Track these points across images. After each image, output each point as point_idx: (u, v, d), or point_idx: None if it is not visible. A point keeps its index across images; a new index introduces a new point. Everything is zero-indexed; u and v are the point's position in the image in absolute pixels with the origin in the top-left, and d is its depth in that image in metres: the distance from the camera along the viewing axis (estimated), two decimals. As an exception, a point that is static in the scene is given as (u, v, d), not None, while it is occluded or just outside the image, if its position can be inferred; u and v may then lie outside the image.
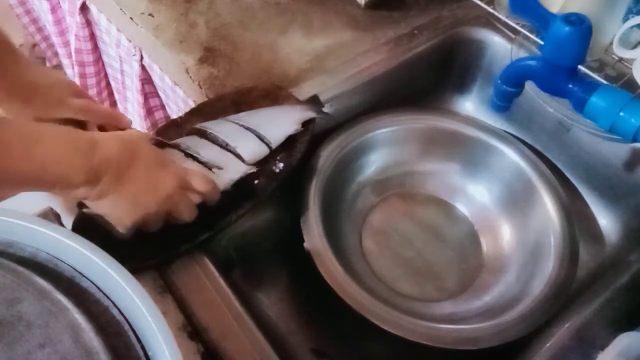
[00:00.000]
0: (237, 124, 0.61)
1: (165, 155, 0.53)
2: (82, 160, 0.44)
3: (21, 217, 0.38)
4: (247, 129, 0.61)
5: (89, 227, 0.51)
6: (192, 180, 0.52)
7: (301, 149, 0.62)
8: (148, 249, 0.53)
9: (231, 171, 0.57)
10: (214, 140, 0.59)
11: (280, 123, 0.62)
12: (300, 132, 0.62)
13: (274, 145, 0.60)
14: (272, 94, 0.67)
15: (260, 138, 0.60)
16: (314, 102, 0.68)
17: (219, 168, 0.57)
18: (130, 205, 0.49)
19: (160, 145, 0.60)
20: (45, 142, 0.43)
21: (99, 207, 0.48)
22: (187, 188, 0.52)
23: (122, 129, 0.65)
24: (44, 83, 0.60)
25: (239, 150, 0.58)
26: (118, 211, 0.49)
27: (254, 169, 0.58)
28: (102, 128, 0.64)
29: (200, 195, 0.53)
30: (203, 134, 0.60)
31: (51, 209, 0.55)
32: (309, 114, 0.64)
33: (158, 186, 0.49)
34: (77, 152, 0.44)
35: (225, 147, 0.59)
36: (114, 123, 0.65)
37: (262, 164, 0.60)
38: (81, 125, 0.63)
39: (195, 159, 0.57)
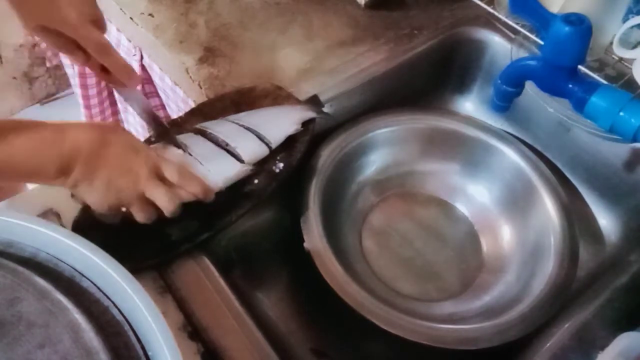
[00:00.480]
0: (237, 124, 0.61)
1: (139, 142, 0.52)
2: (51, 150, 0.45)
3: (21, 217, 0.38)
4: (247, 129, 0.61)
5: (89, 226, 0.52)
6: (164, 167, 0.51)
7: (301, 149, 0.62)
8: (148, 249, 0.53)
9: (225, 169, 0.57)
10: (213, 140, 0.59)
11: (280, 123, 0.62)
12: (300, 132, 0.62)
13: (273, 146, 0.60)
14: (272, 94, 0.67)
15: (260, 138, 0.60)
16: (314, 102, 0.68)
17: (206, 166, 0.57)
18: (104, 189, 0.49)
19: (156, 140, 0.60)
20: (11, 136, 0.44)
21: (76, 193, 0.49)
22: (158, 174, 0.51)
23: (123, 84, 0.59)
24: (72, 4, 0.54)
25: (239, 151, 0.58)
26: (94, 195, 0.49)
27: (249, 168, 0.58)
28: (104, 69, 0.57)
29: (192, 194, 0.52)
30: (203, 134, 0.60)
31: (51, 209, 0.55)
32: (309, 114, 0.64)
33: (131, 169, 0.49)
34: (45, 144, 0.45)
35: (225, 147, 0.59)
36: (122, 77, 0.57)
37: (262, 164, 0.60)
38: (86, 51, 0.56)
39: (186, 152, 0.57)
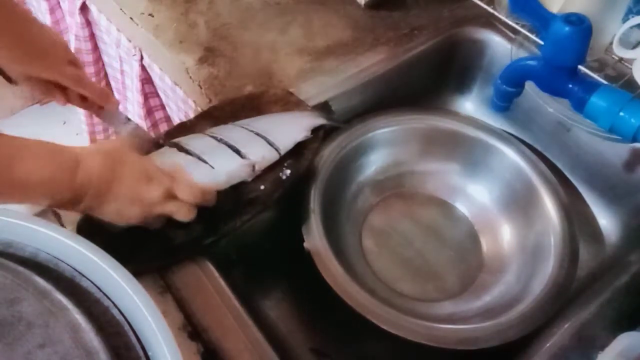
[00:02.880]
0: (246, 129, 0.61)
1: (150, 165, 0.52)
2: (65, 179, 0.45)
3: (21, 217, 0.38)
4: (257, 134, 0.60)
5: (93, 230, 0.51)
6: (178, 190, 0.51)
7: (309, 157, 0.61)
8: (152, 253, 0.53)
9: (227, 164, 0.57)
10: (224, 144, 0.59)
11: (289, 129, 0.62)
12: (309, 139, 0.62)
13: (282, 152, 0.60)
14: (283, 100, 0.67)
15: (270, 144, 0.60)
16: (324, 108, 0.68)
17: (211, 165, 0.57)
18: (115, 218, 0.49)
19: (158, 145, 0.60)
20: (28, 160, 0.43)
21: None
22: (173, 197, 0.51)
23: (102, 107, 0.66)
24: (43, 43, 0.61)
25: (250, 157, 0.58)
26: (106, 220, 0.49)
27: (251, 162, 0.58)
28: (84, 99, 0.65)
29: (192, 204, 0.53)
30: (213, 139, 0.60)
31: (51, 209, 0.55)
32: (319, 120, 0.64)
33: (142, 198, 0.49)
34: (59, 170, 0.45)
35: (235, 153, 0.59)
36: (100, 101, 0.65)
37: (269, 170, 0.59)
38: (63, 88, 0.64)
39: (188, 152, 0.57)
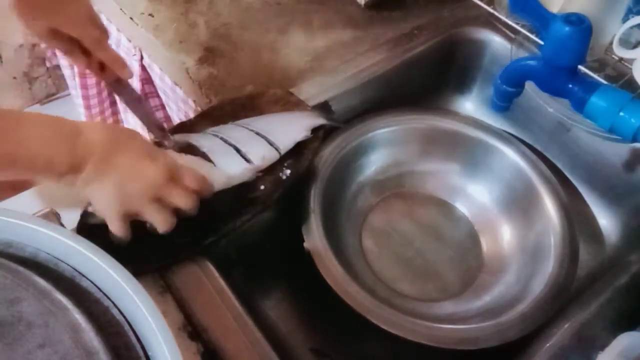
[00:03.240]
0: (247, 128, 0.61)
1: (157, 149, 0.52)
2: (65, 144, 0.45)
3: (21, 217, 0.38)
4: (258, 134, 0.61)
5: (93, 231, 0.51)
6: (184, 176, 0.51)
7: (309, 157, 0.61)
8: (151, 254, 0.53)
9: (232, 166, 0.57)
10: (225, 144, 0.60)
11: (289, 129, 0.62)
12: (309, 138, 0.62)
13: (282, 151, 0.60)
14: (283, 100, 0.67)
15: (270, 143, 0.60)
16: (324, 108, 0.68)
17: (214, 164, 0.57)
18: (115, 192, 0.48)
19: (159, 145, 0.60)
20: (28, 125, 0.44)
21: (86, 194, 0.49)
22: (177, 181, 0.51)
23: (118, 79, 0.65)
24: (72, 3, 0.60)
25: (250, 156, 0.58)
26: (104, 198, 0.49)
27: (255, 166, 0.58)
28: (102, 67, 0.64)
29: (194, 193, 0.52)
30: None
31: (51, 209, 0.55)
32: (319, 120, 0.64)
33: (144, 175, 0.49)
34: (60, 136, 0.45)
35: (236, 152, 0.59)
36: (115, 68, 0.64)
37: (269, 170, 0.60)
38: (85, 53, 0.63)
39: (193, 150, 0.57)
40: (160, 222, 0.51)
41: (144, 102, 0.68)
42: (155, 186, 0.49)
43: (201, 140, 0.59)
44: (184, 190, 0.51)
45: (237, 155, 0.58)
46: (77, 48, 0.63)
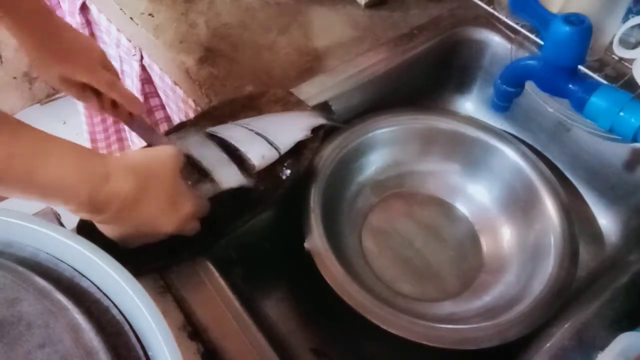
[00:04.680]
0: (246, 128, 0.61)
1: (184, 192, 0.50)
2: (88, 188, 0.42)
3: (21, 217, 0.38)
4: (257, 133, 0.61)
5: (93, 231, 0.51)
6: (199, 212, 0.52)
7: (309, 156, 0.61)
8: (152, 254, 0.53)
9: (229, 182, 0.57)
10: (224, 144, 0.59)
11: (289, 129, 0.62)
12: (309, 138, 0.62)
13: (282, 151, 0.60)
14: (283, 100, 0.67)
15: (270, 143, 0.60)
16: (324, 108, 0.68)
17: (212, 179, 0.57)
18: (131, 234, 0.48)
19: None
20: (51, 164, 0.40)
21: (101, 227, 0.48)
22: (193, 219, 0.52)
23: (131, 115, 0.68)
24: (77, 46, 0.63)
25: (249, 155, 0.58)
26: (119, 235, 0.49)
27: (250, 182, 0.58)
28: (115, 105, 0.67)
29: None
30: (212, 138, 0.60)
31: (51, 209, 0.55)
32: (319, 120, 0.64)
33: (163, 226, 0.49)
34: (84, 182, 0.42)
35: (235, 151, 0.59)
36: (129, 106, 0.66)
37: (269, 170, 0.60)
38: (97, 94, 0.66)
39: (195, 164, 0.57)
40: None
41: (156, 131, 0.70)
42: (172, 230, 0.50)
43: (200, 149, 0.58)
44: (195, 223, 0.52)
45: (235, 167, 0.58)
46: (89, 91, 0.65)
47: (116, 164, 0.44)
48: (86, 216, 0.45)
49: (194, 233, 0.53)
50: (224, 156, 0.58)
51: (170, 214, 0.49)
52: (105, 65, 0.66)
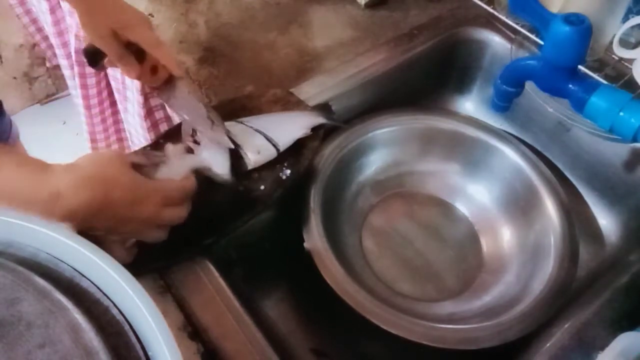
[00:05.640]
0: (245, 125, 0.61)
1: (139, 182, 0.49)
2: (39, 211, 0.41)
3: (21, 217, 0.38)
4: (257, 131, 0.61)
5: None
6: (170, 195, 0.50)
7: (309, 156, 0.62)
8: (152, 254, 0.53)
9: (217, 166, 0.57)
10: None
11: (289, 127, 0.62)
12: (309, 138, 0.62)
13: (281, 148, 0.60)
14: (282, 100, 0.67)
15: (268, 140, 0.60)
16: (324, 108, 0.68)
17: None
18: (106, 233, 0.47)
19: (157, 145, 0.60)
20: (2, 178, 0.40)
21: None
22: (169, 204, 0.50)
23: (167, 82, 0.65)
24: (126, 5, 0.62)
25: (245, 149, 0.58)
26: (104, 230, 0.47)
27: (231, 179, 0.58)
28: (154, 71, 0.65)
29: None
30: None
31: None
32: (319, 119, 0.64)
33: (133, 220, 0.47)
34: (35, 203, 0.41)
35: (234, 148, 0.59)
36: (171, 66, 0.63)
37: (269, 170, 0.60)
38: (141, 54, 0.64)
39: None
40: (159, 238, 0.51)
41: (197, 98, 0.65)
42: (146, 221, 0.48)
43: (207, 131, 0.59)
44: (173, 208, 0.50)
45: (227, 155, 0.58)
46: (131, 55, 0.63)
47: (66, 180, 0.43)
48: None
49: (184, 216, 0.51)
50: (223, 148, 0.58)
51: (135, 209, 0.47)
52: (150, 26, 0.64)
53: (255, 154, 0.59)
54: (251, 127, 0.61)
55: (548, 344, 0.51)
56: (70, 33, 1.07)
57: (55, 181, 0.42)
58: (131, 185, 0.48)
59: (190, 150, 0.57)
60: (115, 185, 0.46)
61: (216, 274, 0.54)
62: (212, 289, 0.53)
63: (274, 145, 0.60)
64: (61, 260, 0.38)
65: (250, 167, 0.59)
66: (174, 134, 0.63)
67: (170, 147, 0.55)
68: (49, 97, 1.84)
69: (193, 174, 0.54)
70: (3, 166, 0.41)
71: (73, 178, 0.43)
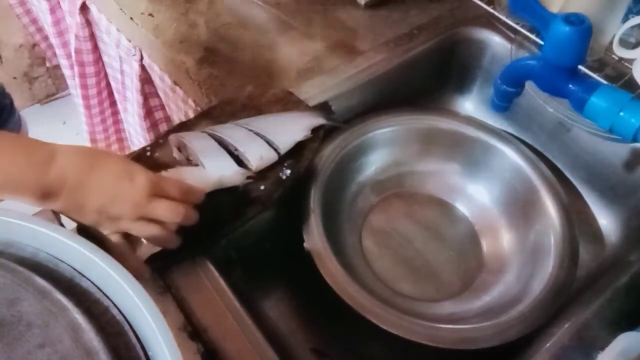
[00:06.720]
0: (246, 128, 0.61)
1: (134, 166, 0.49)
2: (34, 172, 0.43)
3: (21, 217, 0.38)
4: (257, 134, 0.60)
5: (93, 230, 0.51)
6: (167, 188, 0.50)
7: (309, 156, 0.61)
8: (152, 254, 0.53)
9: (222, 172, 0.57)
10: (223, 144, 0.59)
11: (289, 129, 0.62)
12: (309, 138, 0.62)
13: (282, 151, 0.60)
14: (283, 100, 0.67)
15: (269, 143, 0.60)
16: (324, 108, 0.68)
17: (203, 166, 0.56)
18: (96, 217, 0.47)
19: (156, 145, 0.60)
20: None
21: (70, 217, 0.47)
22: (161, 195, 0.49)
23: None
24: None
25: (248, 156, 0.58)
26: (87, 222, 0.48)
27: (244, 172, 0.57)
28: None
29: (181, 202, 0.51)
30: (212, 137, 0.60)
31: (51, 209, 0.55)
32: (319, 120, 0.64)
33: (123, 196, 0.47)
34: (30, 163, 0.43)
35: (234, 152, 0.59)
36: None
37: (269, 170, 0.59)
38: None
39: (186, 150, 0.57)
40: (149, 236, 0.50)
41: None
42: (137, 205, 0.48)
43: (194, 141, 0.58)
44: (168, 204, 0.49)
45: (229, 157, 0.58)
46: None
47: (61, 147, 0.46)
48: (42, 205, 0.45)
49: (179, 214, 0.50)
50: (221, 151, 0.58)
51: (126, 184, 0.47)
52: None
53: (258, 159, 0.58)
54: (252, 131, 0.61)
55: (548, 344, 0.51)
56: (70, 33, 1.07)
57: (51, 145, 0.45)
58: (123, 159, 0.49)
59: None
60: (108, 155, 0.48)
61: (216, 274, 0.54)
62: (212, 289, 0.53)
63: (275, 149, 0.60)
64: (61, 260, 0.38)
65: (252, 172, 0.59)
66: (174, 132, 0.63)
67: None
68: (49, 97, 1.84)
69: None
70: (2, 136, 0.43)
71: (67, 147, 0.46)
